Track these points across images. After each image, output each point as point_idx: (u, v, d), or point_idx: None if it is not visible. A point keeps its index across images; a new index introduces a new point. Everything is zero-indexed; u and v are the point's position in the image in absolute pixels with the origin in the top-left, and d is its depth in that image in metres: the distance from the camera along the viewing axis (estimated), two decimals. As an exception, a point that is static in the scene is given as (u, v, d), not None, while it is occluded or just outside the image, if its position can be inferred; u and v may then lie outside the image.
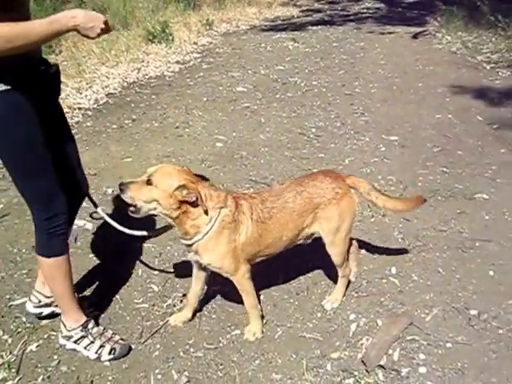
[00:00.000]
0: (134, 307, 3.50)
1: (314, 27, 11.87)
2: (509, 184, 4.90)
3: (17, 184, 2.74)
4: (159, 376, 2.97)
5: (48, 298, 3.30)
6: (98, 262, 3.97)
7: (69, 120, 3.43)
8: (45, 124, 2.67)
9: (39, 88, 2.64)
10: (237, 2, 13.35)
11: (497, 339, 3.15)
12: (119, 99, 7.39)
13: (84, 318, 3.11)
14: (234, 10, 12.99)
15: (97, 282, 3.72)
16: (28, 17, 2.54)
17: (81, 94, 7.27)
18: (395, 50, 9.70)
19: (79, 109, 6.82)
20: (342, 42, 10.49)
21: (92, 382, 2.94)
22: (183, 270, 3.82)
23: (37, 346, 3.17)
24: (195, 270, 3.27)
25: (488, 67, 8.45)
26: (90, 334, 3.09)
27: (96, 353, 3.06)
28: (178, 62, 9.15)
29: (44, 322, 3.35)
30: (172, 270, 3.85)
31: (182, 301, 3.53)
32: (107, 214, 3.32)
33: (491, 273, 3.73)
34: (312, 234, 3.29)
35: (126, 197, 2.81)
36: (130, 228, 3.27)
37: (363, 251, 3.93)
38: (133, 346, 3.16)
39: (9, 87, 2.45)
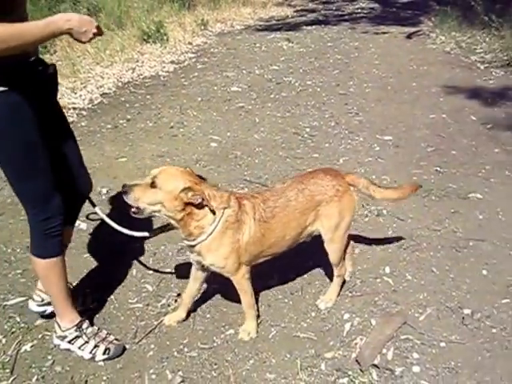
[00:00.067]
0: (128, 307, 3.50)
1: (309, 27, 11.87)
2: (502, 184, 4.92)
3: (12, 184, 2.74)
4: (153, 376, 2.97)
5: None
6: (92, 262, 3.96)
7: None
8: (42, 125, 2.67)
9: (37, 88, 2.64)
10: (231, 2, 13.33)
11: (490, 338, 3.16)
12: (114, 99, 7.38)
13: (78, 318, 3.11)
14: (228, 10, 12.97)
15: (91, 282, 3.71)
16: (25, 18, 2.55)
17: (75, 93, 7.26)
18: (389, 50, 9.72)
19: (74, 109, 6.80)
20: (337, 41, 10.50)
21: (86, 381, 2.94)
22: (178, 269, 3.84)
23: (31, 346, 3.17)
24: (194, 270, 3.26)
25: (482, 67, 8.47)
26: (85, 334, 3.09)
27: (90, 353, 3.05)
28: (172, 62, 9.14)
29: (38, 322, 3.35)
30: (167, 270, 3.85)
31: (176, 300, 3.53)
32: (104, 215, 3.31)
33: (485, 272, 3.74)
34: (313, 232, 3.29)
35: (130, 199, 2.79)
36: (128, 228, 3.26)
37: (357, 250, 3.94)
38: (127, 346, 3.16)
39: (6, 88, 2.46)
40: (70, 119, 6.44)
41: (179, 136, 6.17)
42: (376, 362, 3.00)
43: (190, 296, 3.33)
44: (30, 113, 2.58)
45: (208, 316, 3.42)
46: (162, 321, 3.36)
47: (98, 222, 4.25)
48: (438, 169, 5.23)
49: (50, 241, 2.85)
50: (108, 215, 3.34)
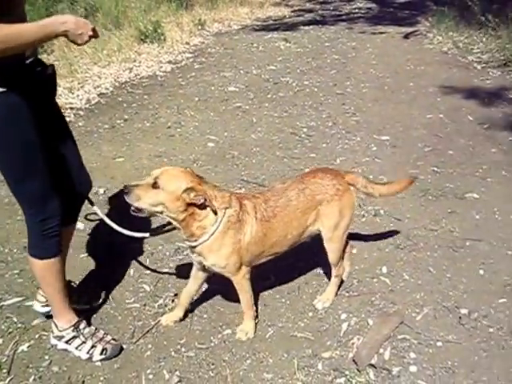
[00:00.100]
0: (125, 307, 3.50)
1: (306, 27, 11.89)
2: (499, 183, 4.93)
3: (10, 185, 2.73)
4: (151, 376, 2.97)
5: None
6: (89, 262, 3.96)
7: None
8: (41, 125, 2.67)
9: (35, 89, 2.64)
10: (229, 2, 13.34)
11: (487, 338, 3.17)
12: (111, 99, 7.37)
13: (76, 319, 3.11)
14: (226, 9, 12.98)
15: (88, 282, 3.71)
16: (24, 18, 2.55)
17: (73, 93, 7.25)
18: (387, 50, 9.73)
19: (71, 108, 6.79)
20: (334, 41, 10.51)
21: (83, 382, 2.94)
22: (175, 269, 3.85)
23: (28, 347, 3.17)
24: (195, 271, 3.26)
25: (479, 67, 8.48)
26: (82, 334, 3.09)
27: (87, 353, 3.05)
28: (169, 62, 9.14)
29: (35, 322, 3.34)
30: (165, 270, 3.85)
31: (173, 300, 3.53)
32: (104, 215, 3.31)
33: (482, 272, 3.75)
34: (314, 232, 3.30)
35: (132, 200, 2.78)
36: (127, 229, 3.26)
37: (354, 250, 3.94)
38: (124, 346, 3.16)
39: (5, 89, 2.46)
40: (67, 119, 6.42)
41: (176, 136, 6.17)
42: (373, 361, 3.00)
43: (188, 296, 3.33)
44: (29, 113, 2.58)
45: (205, 316, 3.41)
46: (159, 321, 3.36)
47: (95, 222, 4.24)
48: (435, 169, 5.24)
49: (47, 241, 2.85)
50: (106, 215, 3.34)
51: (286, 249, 3.26)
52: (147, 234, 3.45)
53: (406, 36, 10.72)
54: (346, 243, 3.50)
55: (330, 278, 3.53)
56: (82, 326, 3.11)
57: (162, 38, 9.79)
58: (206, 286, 3.59)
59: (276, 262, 3.40)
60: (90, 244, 4.15)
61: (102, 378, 2.96)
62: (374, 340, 3.12)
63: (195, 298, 3.48)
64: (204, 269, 3.17)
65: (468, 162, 5.37)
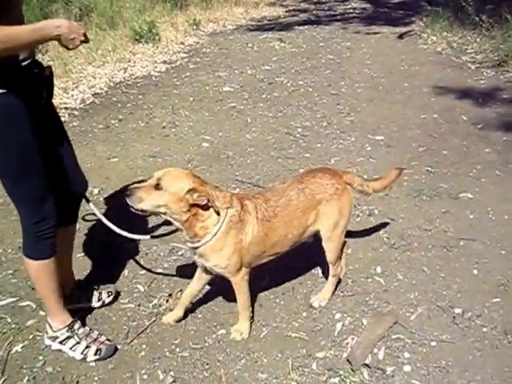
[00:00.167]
0: (119, 307, 3.50)
1: (301, 27, 11.90)
2: (493, 183, 4.94)
3: (6, 185, 2.73)
4: (145, 376, 2.96)
5: (66, 297, 3.29)
6: (84, 262, 3.95)
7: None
8: (37, 126, 2.68)
9: (33, 90, 2.64)
10: (224, 2, 13.35)
11: (481, 337, 3.18)
12: (106, 99, 7.37)
13: (70, 319, 3.11)
14: (220, 9, 12.98)
15: (84, 282, 3.71)
16: (21, 20, 2.57)
17: (67, 93, 7.25)
18: (381, 50, 9.74)
19: (65, 109, 6.80)
20: (329, 41, 10.52)
21: (78, 382, 2.93)
22: (170, 270, 3.84)
23: (22, 347, 3.16)
24: (199, 271, 3.26)
25: (473, 67, 8.50)
26: (76, 334, 3.09)
27: (82, 353, 3.05)
28: (164, 62, 9.14)
29: (29, 322, 3.34)
30: (163, 271, 3.86)
31: (167, 301, 3.53)
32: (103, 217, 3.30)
33: (475, 271, 3.76)
34: (314, 232, 3.31)
35: (134, 202, 2.76)
36: (125, 230, 3.26)
37: (348, 250, 3.94)
38: (119, 347, 3.16)
39: (2, 90, 2.47)
40: (61, 119, 6.43)
41: (171, 136, 6.17)
42: (367, 361, 3.01)
43: (189, 295, 3.33)
44: (26, 114, 2.59)
45: (200, 316, 3.41)
46: (153, 321, 3.36)
47: (91, 222, 4.24)
48: (429, 169, 5.25)
49: (42, 243, 2.85)
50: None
51: (287, 249, 3.27)
52: (148, 237, 3.46)
53: (401, 36, 10.74)
54: (344, 242, 3.51)
55: (326, 278, 3.54)
56: (76, 326, 3.11)
57: (157, 38, 9.80)
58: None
59: (270, 263, 3.41)
60: (85, 244, 4.14)
61: (96, 379, 2.95)
62: (368, 340, 3.12)
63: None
64: (207, 270, 3.18)
65: (462, 161, 5.38)
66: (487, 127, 6.19)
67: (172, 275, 3.79)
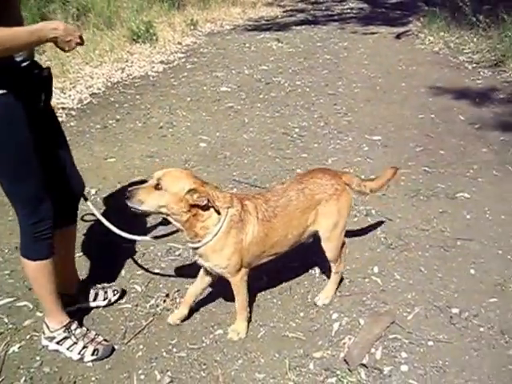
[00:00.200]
0: (117, 308, 3.49)
1: (298, 27, 11.91)
2: (490, 183, 4.95)
3: (3, 186, 2.74)
4: (142, 376, 2.96)
5: (70, 296, 3.35)
6: (81, 262, 3.94)
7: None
8: (36, 127, 2.68)
9: (32, 91, 2.65)
10: (221, 2, 13.35)
11: (478, 337, 3.18)
12: (103, 99, 7.36)
13: (67, 319, 3.11)
14: (218, 9, 12.98)
15: (80, 283, 3.70)
16: (20, 21, 2.58)
17: (64, 93, 7.24)
18: (378, 50, 9.76)
19: (63, 109, 6.78)
20: (326, 41, 10.53)
21: (75, 382, 2.93)
22: (167, 270, 3.84)
23: (19, 347, 3.16)
24: (203, 272, 3.27)
25: (470, 67, 8.52)
26: (73, 334, 3.08)
27: (79, 354, 3.05)
28: (162, 62, 9.13)
29: (26, 322, 3.34)
30: (156, 271, 3.86)
31: (164, 301, 3.53)
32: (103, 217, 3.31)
33: (472, 271, 3.76)
34: (314, 232, 3.31)
35: (134, 203, 2.77)
36: (123, 230, 3.26)
37: (346, 250, 3.93)
38: (116, 347, 3.15)
39: (2, 91, 2.48)
40: (59, 119, 6.42)
41: (168, 136, 6.17)
42: (364, 361, 3.01)
43: (193, 294, 3.32)
44: (25, 115, 2.59)
45: (197, 316, 3.41)
46: (151, 321, 3.36)
47: (88, 222, 4.23)
48: (427, 169, 5.25)
49: (40, 243, 2.85)
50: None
51: (286, 249, 3.27)
52: (148, 238, 3.46)
53: (398, 36, 10.76)
54: (344, 241, 3.51)
55: (328, 277, 3.55)
56: (73, 326, 3.11)
57: (154, 38, 9.79)
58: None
59: (269, 263, 3.41)
60: (83, 244, 4.13)
61: (93, 379, 2.95)
62: (366, 340, 3.12)
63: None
64: (207, 270, 3.18)
65: (459, 161, 5.39)
66: (484, 127, 6.20)
67: (169, 275, 3.79)
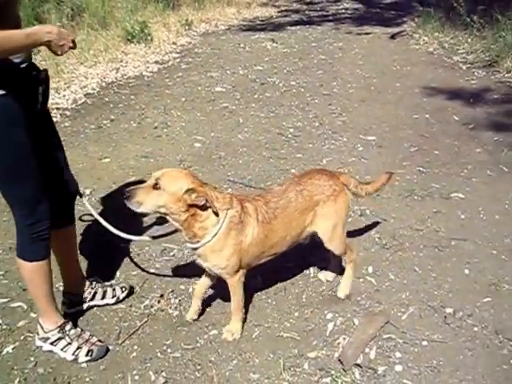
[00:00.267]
0: (111, 308, 3.48)
1: (293, 27, 11.92)
2: (484, 183, 4.96)
3: (0, 187, 2.74)
4: (136, 377, 2.96)
5: (77, 295, 3.38)
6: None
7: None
8: (34, 128, 2.69)
9: (30, 93, 2.66)
10: (216, 3, 13.34)
11: (472, 337, 3.19)
12: (97, 99, 7.35)
13: (62, 320, 3.10)
14: (213, 10, 12.98)
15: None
16: (19, 23, 2.60)
17: (59, 94, 7.23)
18: (373, 51, 9.78)
19: (57, 109, 6.76)
20: (321, 42, 10.54)
21: (69, 383, 2.93)
22: (162, 270, 3.84)
23: (13, 348, 3.15)
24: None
25: (464, 67, 8.55)
26: (68, 335, 3.08)
27: (73, 354, 3.04)
28: (156, 62, 9.12)
29: (20, 323, 3.33)
30: (151, 271, 3.85)
31: (159, 301, 3.52)
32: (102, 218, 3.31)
33: (467, 271, 3.77)
34: (311, 233, 3.33)
35: (133, 204, 2.79)
36: (121, 230, 3.26)
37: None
38: (110, 347, 3.15)
39: (3, 92, 2.49)
40: (53, 120, 6.42)
41: (163, 136, 6.16)
42: (359, 361, 3.01)
43: (201, 290, 3.32)
44: (23, 116, 2.61)
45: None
46: (145, 322, 3.35)
47: (83, 222, 4.22)
48: (421, 169, 5.27)
49: (37, 244, 2.85)
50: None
51: (285, 249, 3.29)
52: (146, 238, 3.45)
53: (393, 36, 10.78)
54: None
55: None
56: (67, 327, 3.10)
57: (149, 38, 9.78)
58: (192, 286, 3.60)
59: (264, 263, 3.41)
60: (78, 244, 4.12)
61: (87, 380, 2.95)
62: (360, 340, 3.13)
63: (181, 298, 3.51)
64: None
65: (453, 162, 5.41)
66: (478, 127, 6.22)
67: (165, 275, 3.79)
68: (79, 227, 4.18)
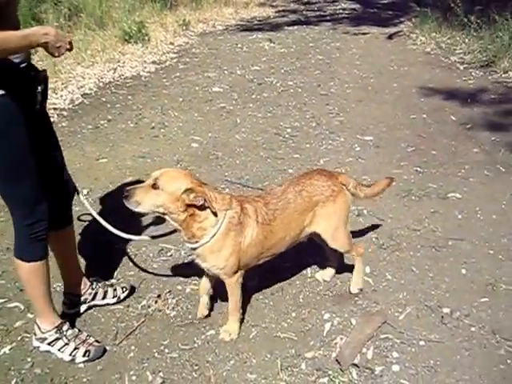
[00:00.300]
0: (108, 308, 3.48)
1: (290, 27, 11.92)
2: (481, 183, 4.97)
3: (0, 187, 2.74)
4: (134, 377, 2.96)
5: (78, 296, 3.39)
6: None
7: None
8: (33, 128, 2.70)
9: (29, 93, 2.66)
10: (213, 3, 13.33)
11: (469, 337, 3.19)
12: (95, 99, 7.34)
13: (59, 320, 3.10)
14: (210, 10, 12.97)
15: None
16: (17, 24, 2.61)
17: (56, 94, 7.21)
18: (370, 51, 9.78)
19: (54, 109, 6.75)
20: (318, 42, 10.55)
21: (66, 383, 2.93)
22: (159, 270, 3.84)
23: (10, 349, 3.14)
24: None
25: (461, 67, 8.56)
26: (65, 336, 3.08)
27: (70, 355, 3.04)
28: (154, 62, 9.11)
29: (17, 324, 3.33)
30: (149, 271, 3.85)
31: (156, 302, 3.52)
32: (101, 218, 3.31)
33: (464, 271, 3.78)
34: (310, 233, 3.34)
35: (131, 204, 2.81)
36: (121, 230, 3.26)
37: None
38: (107, 348, 3.14)
39: (2, 92, 2.50)
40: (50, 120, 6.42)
41: (160, 137, 6.16)
42: (356, 361, 3.01)
43: (205, 286, 3.33)
44: (22, 116, 2.61)
45: (189, 317, 3.41)
46: (142, 322, 3.35)
47: (81, 223, 4.22)
48: (418, 169, 5.27)
49: (34, 244, 2.85)
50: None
51: (283, 250, 3.29)
52: (145, 237, 3.45)
53: (390, 37, 10.79)
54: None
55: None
56: (64, 327, 3.10)
57: (146, 38, 9.77)
58: (189, 286, 3.61)
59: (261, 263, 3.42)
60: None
61: (84, 380, 2.94)
62: (357, 340, 3.13)
63: (178, 298, 3.53)
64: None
65: (450, 162, 5.41)
66: (475, 127, 6.23)
67: (162, 274, 3.79)
68: (75, 228, 4.19)
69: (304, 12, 14.03)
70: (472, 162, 5.38)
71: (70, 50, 2.63)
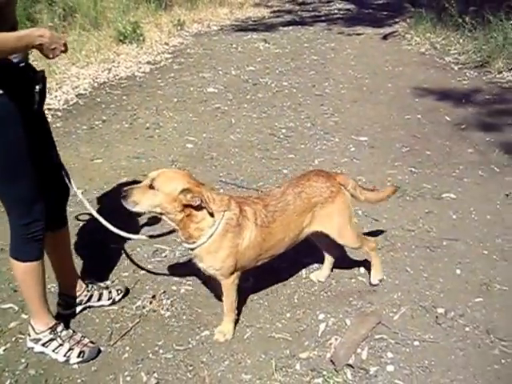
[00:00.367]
0: (103, 309, 3.47)
1: (285, 28, 11.92)
2: (475, 183, 4.97)
3: None
4: (128, 378, 2.95)
5: (74, 298, 3.39)
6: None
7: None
8: (30, 128, 2.69)
9: (27, 93, 2.66)
10: (208, 3, 13.33)
11: (463, 337, 3.19)
12: (89, 100, 7.33)
13: (53, 321, 3.10)
14: (205, 10, 12.97)
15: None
16: (15, 25, 2.62)
17: (51, 94, 7.18)
18: (365, 51, 9.79)
19: (49, 109, 6.73)
20: (313, 42, 10.55)
21: (60, 384, 2.93)
22: (155, 270, 3.84)
23: (4, 350, 3.14)
24: None
25: (456, 68, 8.57)
26: (59, 336, 3.07)
27: (64, 356, 3.04)
28: (148, 63, 9.10)
29: (11, 324, 3.32)
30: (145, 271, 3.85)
31: (151, 302, 3.52)
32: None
33: (458, 271, 3.78)
34: (309, 233, 3.34)
35: (129, 204, 2.82)
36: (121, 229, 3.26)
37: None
38: (102, 349, 3.14)
39: (0, 91, 2.50)
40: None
41: (155, 137, 6.15)
42: (350, 361, 3.01)
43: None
44: (20, 116, 2.61)
45: (183, 317, 3.41)
46: (137, 323, 3.35)
47: (78, 223, 4.21)
48: (413, 169, 5.28)
49: (31, 245, 2.85)
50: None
51: (281, 251, 3.30)
52: (144, 237, 3.46)
53: (385, 37, 10.80)
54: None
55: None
56: (59, 328, 3.09)
57: (141, 38, 9.76)
58: (183, 287, 3.60)
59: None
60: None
61: (79, 381, 2.94)
62: (352, 340, 3.13)
63: (172, 299, 3.53)
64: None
65: (445, 162, 5.42)
66: (470, 128, 6.24)
67: (157, 273, 3.79)
68: (70, 228, 4.19)
69: (299, 12, 14.04)
70: (466, 163, 5.39)
71: (65, 51, 2.63)
